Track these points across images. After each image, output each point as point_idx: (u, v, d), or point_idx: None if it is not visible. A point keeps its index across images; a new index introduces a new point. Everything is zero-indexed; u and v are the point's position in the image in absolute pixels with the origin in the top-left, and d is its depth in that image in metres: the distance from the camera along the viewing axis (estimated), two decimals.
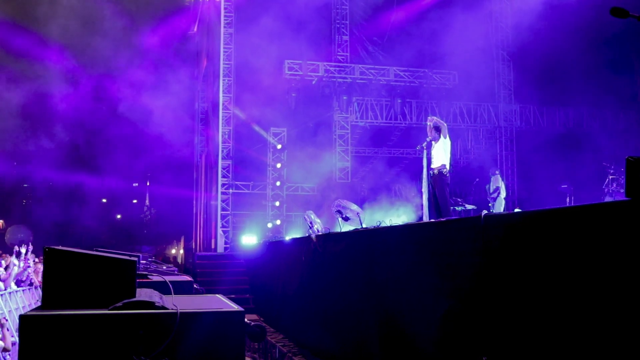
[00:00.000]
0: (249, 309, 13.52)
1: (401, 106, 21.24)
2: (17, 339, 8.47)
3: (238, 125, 19.92)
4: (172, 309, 3.14)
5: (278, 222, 19.75)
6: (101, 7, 22.64)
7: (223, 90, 19.28)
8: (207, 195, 22.34)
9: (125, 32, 23.42)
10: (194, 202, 26.79)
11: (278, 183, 20.12)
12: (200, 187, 24.70)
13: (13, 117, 23.49)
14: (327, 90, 20.70)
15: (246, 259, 17.01)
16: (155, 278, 5.03)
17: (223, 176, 19.36)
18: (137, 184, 42.37)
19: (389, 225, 9.50)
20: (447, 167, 9.59)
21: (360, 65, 21.05)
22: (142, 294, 3.44)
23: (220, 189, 19.26)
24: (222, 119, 19.28)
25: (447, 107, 21.37)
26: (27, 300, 10.88)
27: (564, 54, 19.21)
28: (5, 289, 10.01)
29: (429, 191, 9.81)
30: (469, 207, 13.63)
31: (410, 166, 20.78)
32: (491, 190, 15.51)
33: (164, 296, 3.68)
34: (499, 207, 15.15)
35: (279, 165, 20.13)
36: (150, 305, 3.15)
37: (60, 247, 3.47)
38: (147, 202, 45.14)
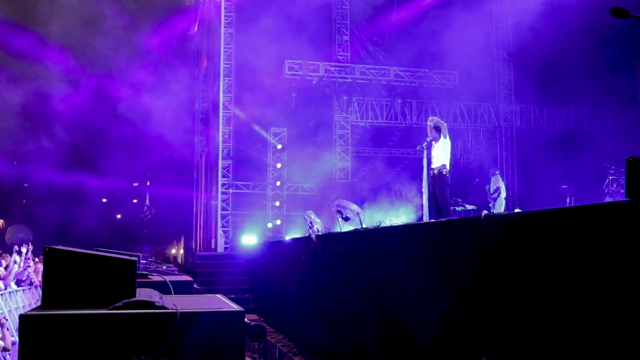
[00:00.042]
0: (249, 309, 13.52)
1: (401, 106, 21.24)
2: (17, 338, 8.47)
3: (238, 125, 19.92)
4: (172, 309, 3.14)
5: (278, 222, 19.75)
6: (101, 7, 22.63)
7: (223, 90, 19.29)
8: (207, 195, 22.34)
9: (126, 32, 23.40)
10: (194, 202, 26.78)
11: (278, 183, 20.12)
12: (201, 187, 24.69)
13: (13, 117, 23.48)
14: (328, 90, 20.70)
15: (246, 259, 17.01)
16: (155, 278, 5.03)
17: (223, 176, 19.36)
18: (137, 184, 42.34)
19: (389, 225, 9.50)
20: (447, 167, 9.60)
21: (360, 65, 21.05)
22: (142, 294, 3.44)
23: (220, 189, 19.27)
24: (223, 119, 19.28)
25: (447, 107, 21.37)
26: (27, 300, 10.87)
27: (564, 54, 19.21)
28: (6, 288, 10.01)
29: (429, 191, 9.81)
30: (469, 207, 13.64)
31: (411, 166, 20.77)
32: (491, 191, 15.52)
33: (164, 296, 3.68)
34: (500, 207, 15.16)
35: (279, 165, 20.13)
36: (150, 305, 3.15)
37: (60, 247, 3.46)
38: (147, 202, 45.13)
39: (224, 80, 19.29)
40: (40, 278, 11.09)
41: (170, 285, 4.10)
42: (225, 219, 19.18)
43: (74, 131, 28.74)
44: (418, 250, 6.08)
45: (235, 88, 19.50)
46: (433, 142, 9.80)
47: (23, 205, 38.84)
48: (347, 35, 21.45)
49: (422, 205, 10.57)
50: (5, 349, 8.26)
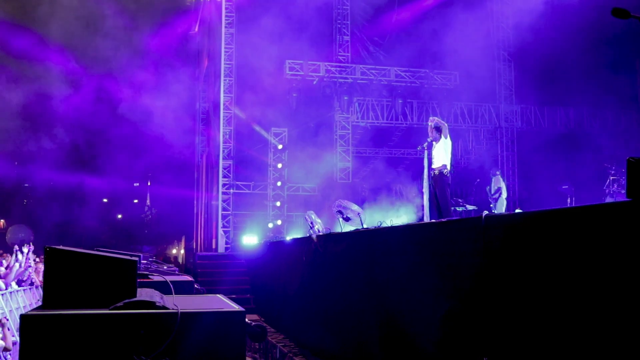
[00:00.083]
0: (249, 309, 13.53)
1: (402, 106, 21.25)
2: (17, 338, 8.47)
3: (239, 125, 19.92)
4: (173, 309, 3.14)
5: (279, 222, 19.76)
6: (102, 7, 22.64)
7: (224, 91, 19.28)
8: (208, 195, 22.34)
9: (126, 32, 23.41)
10: (195, 202, 26.78)
11: (279, 183, 20.12)
12: (201, 187, 24.69)
13: (14, 118, 23.50)
14: (328, 90, 20.71)
15: (247, 259, 17.01)
16: (156, 278, 5.03)
17: (224, 176, 19.36)
18: (138, 184, 42.35)
19: (389, 225, 9.50)
20: (448, 167, 9.60)
21: (361, 66, 21.06)
22: (143, 294, 3.44)
23: (221, 189, 19.27)
24: (223, 119, 19.29)
25: (448, 107, 21.37)
26: (27, 300, 10.88)
27: (565, 54, 19.22)
28: (6, 288, 10.01)
29: (429, 191, 9.81)
30: (470, 207, 13.63)
31: (411, 166, 20.77)
32: (492, 191, 15.52)
33: (164, 296, 3.68)
34: (501, 207, 15.16)
35: (279, 166, 20.13)
36: (151, 305, 3.15)
37: (61, 247, 3.46)
38: (148, 202, 45.14)
39: (224, 80, 19.29)
40: (41, 278, 11.10)
41: (171, 285, 4.10)
42: (226, 219, 19.18)
43: (74, 131, 28.76)
44: (419, 251, 6.08)
45: (236, 88, 19.51)
46: (434, 143, 9.80)
47: (24, 205, 38.87)
48: (347, 35, 21.46)
49: (422, 206, 10.58)
50: (6, 349, 8.27)
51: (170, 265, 9.11)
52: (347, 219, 11.65)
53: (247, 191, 20.33)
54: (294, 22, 18.59)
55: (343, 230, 10.97)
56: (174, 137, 24.83)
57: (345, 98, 20.78)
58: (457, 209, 13.17)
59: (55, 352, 2.93)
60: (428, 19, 20.29)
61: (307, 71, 20.41)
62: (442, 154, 9.62)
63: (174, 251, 38.43)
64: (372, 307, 7.12)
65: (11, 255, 11.48)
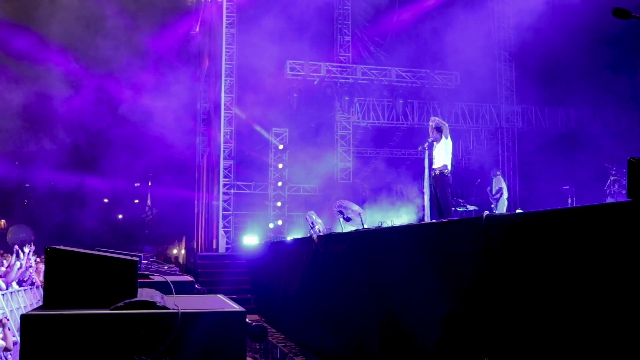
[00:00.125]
0: (250, 309, 13.53)
1: (403, 107, 21.25)
2: (18, 338, 8.48)
3: (240, 126, 19.93)
4: (174, 309, 3.14)
5: (279, 222, 19.76)
6: (102, 8, 22.64)
7: (225, 91, 19.30)
8: (209, 195, 22.35)
9: (127, 32, 23.42)
10: (196, 202, 26.79)
11: (280, 183, 20.12)
12: (202, 188, 24.71)
13: (15, 118, 23.50)
14: (329, 90, 20.71)
15: (248, 259, 17.01)
16: (157, 278, 5.02)
17: (225, 176, 19.37)
18: (138, 184, 42.36)
19: (390, 225, 9.50)
20: (449, 167, 9.60)
21: (362, 66, 21.06)
22: (144, 294, 3.44)
23: (221, 189, 19.28)
24: (224, 119, 19.29)
25: (449, 107, 21.37)
26: (28, 300, 10.89)
27: (566, 54, 19.21)
28: (7, 288, 10.02)
29: (430, 192, 9.81)
30: (471, 207, 13.62)
31: (412, 167, 20.76)
32: (494, 192, 15.51)
33: (165, 296, 3.68)
34: (502, 207, 15.15)
35: (280, 166, 20.13)
36: (151, 305, 3.15)
37: (61, 247, 3.46)
38: (148, 202, 45.15)
39: (225, 80, 19.30)
40: (41, 278, 11.11)
41: (172, 286, 4.09)
42: (227, 219, 19.19)
43: (75, 132, 28.75)
44: (419, 251, 6.08)
45: (237, 88, 19.52)
46: (434, 143, 9.80)
47: (24, 205, 38.89)
48: (348, 35, 21.47)
49: (423, 206, 10.57)
50: (6, 349, 8.27)
51: (171, 265, 9.11)
52: (347, 219, 11.64)
53: (248, 191, 20.34)
54: (294, 23, 18.60)
55: (344, 231, 10.97)
56: (174, 138, 24.84)
57: (346, 98, 20.78)
58: (458, 209, 13.16)
59: (55, 352, 2.93)
60: (429, 19, 20.30)
61: (308, 71, 20.41)
62: (442, 154, 9.62)
63: (175, 251, 38.43)
64: (372, 307, 7.12)
65: (12, 255, 11.49)
